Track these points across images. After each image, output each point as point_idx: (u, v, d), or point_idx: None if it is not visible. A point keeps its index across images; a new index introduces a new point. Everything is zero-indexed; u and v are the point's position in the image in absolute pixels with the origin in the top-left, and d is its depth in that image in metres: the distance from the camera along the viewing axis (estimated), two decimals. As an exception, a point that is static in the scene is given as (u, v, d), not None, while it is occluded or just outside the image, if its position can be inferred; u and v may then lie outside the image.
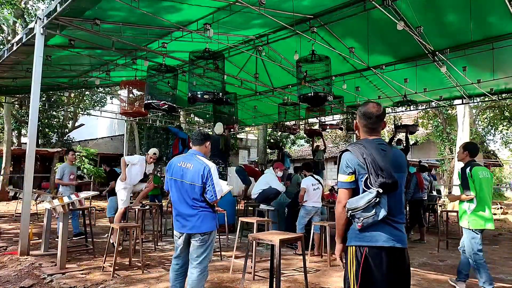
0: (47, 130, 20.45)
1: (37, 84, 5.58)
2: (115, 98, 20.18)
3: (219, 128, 8.78)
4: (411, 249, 6.96)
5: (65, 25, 5.64)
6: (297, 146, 28.08)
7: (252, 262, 4.71)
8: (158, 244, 6.68)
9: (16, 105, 17.43)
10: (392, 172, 2.04)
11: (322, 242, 6.13)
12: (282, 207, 7.16)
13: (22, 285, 4.13)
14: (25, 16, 14.89)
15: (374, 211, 2.01)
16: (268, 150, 20.08)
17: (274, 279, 3.53)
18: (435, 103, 10.70)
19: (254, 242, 4.37)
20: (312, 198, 6.31)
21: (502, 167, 30.72)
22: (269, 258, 4.03)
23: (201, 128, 18.38)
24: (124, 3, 5.07)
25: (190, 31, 6.48)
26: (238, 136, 23.75)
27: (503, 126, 22.68)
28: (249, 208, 8.33)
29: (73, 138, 22.16)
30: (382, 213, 2.02)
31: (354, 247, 2.13)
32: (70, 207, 4.95)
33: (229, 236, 7.50)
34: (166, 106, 6.66)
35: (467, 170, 4.19)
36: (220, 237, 6.28)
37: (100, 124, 24.22)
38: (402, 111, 12.08)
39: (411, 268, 5.34)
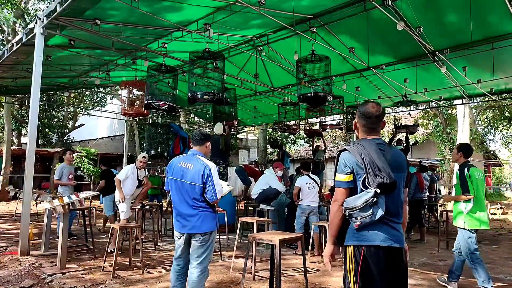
0: (47, 130, 20.44)
1: (37, 84, 5.58)
2: (115, 98, 20.19)
3: (219, 128, 8.78)
4: (411, 249, 6.96)
5: (65, 25, 5.64)
6: (297, 146, 28.09)
7: (252, 262, 4.71)
8: (158, 244, 6.68)
9: (16, 105, 17.43)
10: (390, 172, 2.04)
11: (322, 242, 6.13)
12: (282, 207, 7.16)
13: (22, 285, 4.13)
14: (25, 16, 14.89)
15: (371, 211, 2.02)
16: (268, 150, 20.07)
17: (274, 279, 3.53)
18: (435, 103, 10.70)
19: (254, 242, 4.37)
20: (307, 197, 6.33)
21: (502, 167, 30.74)
22: (269, 258, 4.04)
23: (201, 128, 18.38)
24: (124, 3, 5.07)
25: (190, 31, 6.48)
26: (238, 136, 23.76)
27: (503, 126, 22.69)
28: (249, 208, 8.33)
29: (73, 138, 22.16)
30: (380, 213, 2.02)
31: (352, 247, 2.13)
32: (70, 207, 4.95)
33: (229, 236, 7.51)
34: (166, 106, 6.65)
35: (465, 171, 4.22)
36: (220, 237, 6.29)
37: (100, 124, 24.23)
38: (402, 111, 12.07)
39: (411, 268, 5.36)
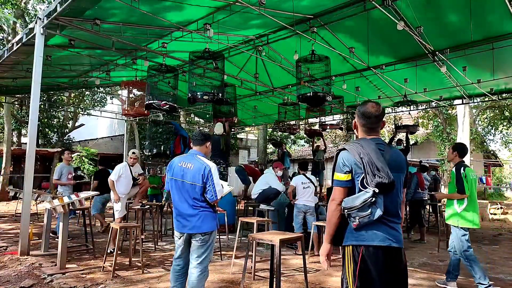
0: (47, 130, 20.45)
1: (37, 84, 5.58)
2: (115, 98, 20.19)
3: (219, 129, 8.78)
4: (411, 249, 6.97)
5: (65, 25, 5.64)
6: (297, 146, 28.09)
7: (252, 262, 4.71)
8: (158, 244, 6.67)
9: (16, 105, 17.44)
10: (389, 172, 2.04)
11: (321, 243, 6.12)
12: (282, 207, 7.16)
13: (22, 285, 4.13)
14: (25, 16, 14.90)
15: (369, 210, 2.01)
16: (268, 150, 20.07)
17: (274, 279, 3.53)
18: (435, 103, 10.70)
19: (254, 242, 4.37)
20: (303, 197, 6.34)
21: (502, 167, 30.73)
22: (269, 258, 4.03)
23: (201, 128, 18.38)
24: (124, 3, 5.07)
25: (190, 31, 6.48)
26: (238, 136, 23.76)
27: (503, 126, 22.71)
28: (249, 208, 8.33)
29: (73, 138, 22.16)
30: (378, 212, 2.02)
31: (351, 247, 2.12)
32: (70, 207, 4.95)
33: (229, 236, 7.51)
34: (167, 106, 6.65)
35: (462, 170, 4.27)
36: (220, 237, 6.29)
37: (100, 124, 24.22)
38: (402, 111, 12.08)
39: (411, 268, 5.36)
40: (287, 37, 7.13)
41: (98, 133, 24.59)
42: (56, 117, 21.37)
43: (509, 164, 32.38)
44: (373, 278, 2.05)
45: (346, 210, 2.07)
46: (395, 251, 2.09)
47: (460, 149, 4.45)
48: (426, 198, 8.44)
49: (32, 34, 5.85)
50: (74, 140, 21.99)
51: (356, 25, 6.54)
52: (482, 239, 8.57)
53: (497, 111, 20.28)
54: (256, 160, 17.95)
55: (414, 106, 10.35)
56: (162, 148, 9.84)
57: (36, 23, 5.65)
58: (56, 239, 5.83)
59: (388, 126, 19.66)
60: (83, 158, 17.12)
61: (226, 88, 7.66)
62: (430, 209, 10.07)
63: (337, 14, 6.11)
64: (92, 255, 5.64)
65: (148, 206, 6.75)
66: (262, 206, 6.87)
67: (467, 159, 14.63)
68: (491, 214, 13.52)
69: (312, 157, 12.13)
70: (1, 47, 13.28)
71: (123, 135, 20.02)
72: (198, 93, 6.09)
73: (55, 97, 18.73)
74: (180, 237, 3.24)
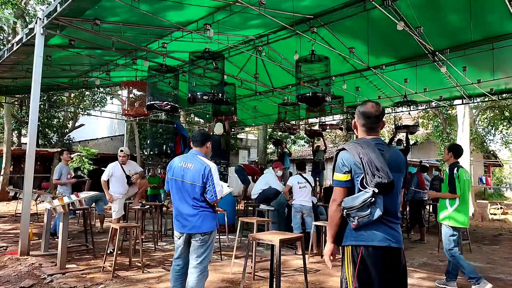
0: (47, 130, 20.45)
1: (37, 84, 5.58)
2: (115, 98, 20.19)
3: (219, 129, 8.78)
4: (411, 249, 6.97)
5: (65, 25, 5.64)
6: (297, 146, 28.10)
7: (252, 262, 4.71)
8: (158, 244, 6.68)
9: (16, 105, 17.44)
10: (389, 172, 2.03)
11: (322, 242, 6.13)
12: (282, 207, 7.16)
13: (22, 285, 4.13)
14: (25, 16, 14.90)
15: (369, 210, 2.01)
16: (268, 150, 20.06)
17: (274, 279, 3.53)
18: (435, 103, 10.70)
19: (254, 242, 4.37)
20: (299, 197, 6.35)
21: (502, 167, 30.73)
22: (269, 258, 4.03)
23: (201, 128, 18.38)
24: (124, 3, 5.07)
25: (190, 31, 6.48)
26: (238, 136, 23.76)
27: (503, 126, 22.70)
28: (249, 208, 8.33)
29: (73, 138, 22.17)
30: (378, 213, 2.01)
31: (350, 247, 2.12)
32: (70, 207, 4.95)
33: (229, 236, 7.51)
34: (169, 106, 6.65)
35: (455, 171, 4.38)
36: (220, 237, 6.29)
37: (100, 124, 24.22)
38: (402, 111, 12.07)
39: (411, 268, 5.37)
40: (287, 37, 7.13)
41: (98, 133, 24.59)
42: (56, 117, 21.38)
43: (509, 164, 32.38)
44: (372, 279, 2.05)
45: (345, 210, 2.07)
46: (395, 251, 2.08)
47: (455, 150, 4.54)
48: (426, 198, 8.44)
49: (32, 34, 5.85)
50: (74, 140, 21.99)
51: (356, 25, 6.54)
52: (482, 239, 8.57)
53: (497, 111, 20.27)
54: (256, 160, 17.95)
55: (414, 106, 10.34)
56: (164, 148, 9.80)
57: (36, 23, 5.65)
58: (56, 239, 5.83)
59: (388, 126, 19.66)
60: (83, 158, 17.12)
61: (226, 87, 7.64)
62: (430, 209, 10.07)
63: (337, 14, 6.11)
64: (92, 255, 5.64)
65: (148, 206, 6.75)
66: (262, 206, 6.87)
67: (467, 159, 14.66)
68: (491, 214, 13.53)
69: (312, 157, 12.13)
70: (1, 47, 13.28)
71: (123, 135, 20.04)
72: (198, 93, 6.09)
73: (55, 97, 18.73)
74: (180, 237, 3.24)
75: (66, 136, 21.51)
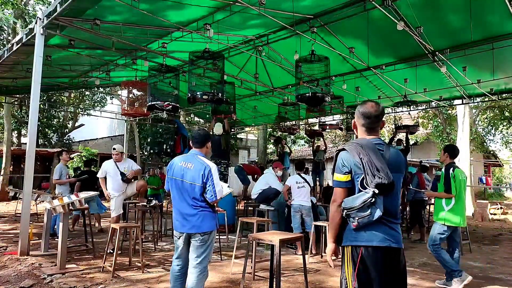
0: (47, 130, 20.45)
1: (37, 84, 5.59)
2: (115, 98, 20.19)
3: (218, 129, 8.77)
4: (411, 249, 6.97)
5: (65, 25, 5.65)
6: (297, 146, 28.09)
7: (252, 262, 4.71)
8: (158, 244, 6.68)
9: (16, 105, 17.44)
10: (389, 173, 2.03)
11: (321, 242, 6.13)
12: (282, 207, 7.16)
13: (22, 285, 4.13)
14: (24, 16, 14.90)
15: (369, 211, 2.01)
16: (268, 150, 20.04)
17: (274, 279, 3.53)
18: (435, 103, 10.70)
19: (254, 242, 4.37)
20: (298, 197, 6.36)
21: (502, 167, 30.72)
22: (269, 258, 4.03)
23: (201, 127, 18.37)
24: (124, 2, 5.08)
25: (190, 31, 6.48)
26: (238, 136, 23.75)
27: (503, 126, 22.70)
28: (249, 208, 8.33)
29: (73, 138, 22.17)
30: (378, 213, 2.01)
31: (350, 247, 2.12)
32: (70, 207, 4.95)
33: (229, 236, 7.50)
34: (170, 106, 6.65)
35: (450, 171, 4.45)
36: (220, 237, 6.28)
37: (100, 124, 24.21)
38: (402, 111, 12.08)
39: (411, 268, 5.36)
40: (287, 37, 7.13)
41: (98, 133, 24.59)
42: (56, 117, 21.38)
43: (509, 164, 32.37)
44: (372, 279, 2.05)
45: (345, 211, 2.07)
46: (395, 251, 2.09)
47: (450, 151, 4.64)
48: (427, 198, 8.44)
49: (32, 34, 5.85)
50: (74, 140, 22.00)
51: (356, 25, 6.54)
52: (482, 239, 8.57)
53: (497, 111, 20.27)
54: (256, 160, 17.96)
55: (414, 106, 10.35)
56: (164, 147, 9.78)
57: (36, 23, 5.65)
58: (56, 239, 5.83)
59: (388, 126, 19.65)
60: (83, 158, 17.12)
61: (225, 86, 7.65)
62: (431, 209, 10.07)
63: (337, 14, 6.11)
64: (92, 255, 5.64)
65: (155, 202, 6.55)
66: (262, 206, 6.87)
67: (467, 159, 14.67)
68: (491, 214, 13.52)
69: (312, 157, 12.13)
70: (1, 47, 13.28)
71: (123, 135, 20.03)
72: (198, 93, 6.08)
73: (54, 97, 18.72)
74: (180, 237, 3.24)
75: (66, 136, 21.51)
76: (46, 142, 20.28)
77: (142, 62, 7.38)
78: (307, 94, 6.37)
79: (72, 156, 16.03)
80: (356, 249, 2.09)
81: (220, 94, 6.23)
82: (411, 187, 8.10)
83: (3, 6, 12.40)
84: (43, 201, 7.36)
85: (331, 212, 2.18)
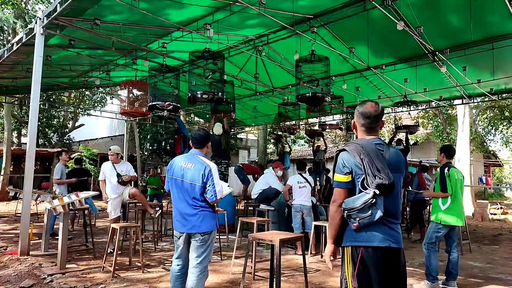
0: (47, 130, 20.45)
1: (37, 84, 5.59)
2: (115, 98, 20.18)
3: (218, 129, 8.77)
4: (412, 249, 6.96)
5: (65, 25, 5.64)
6: (297, 146, 28.09)
7: (252, 262, 4.71)
8: (158, 244, 6.68)
9: (16, 105, 17.44)
10: (389, 173, 2.03)
11: (321, 242, 6.13)
12: (282, 207, 7.16)
13: (22, 285, 4.13)
14: (24, 16, 14.89)
15: (370, 212, 2.01)
16: (268, 150, 20.03)
17: (274, 279, 3.53)
18: (435, 103, 10.70)
19: (254, 242, 4.37)
20: (299, 197, 6.36)
21: (502, 167, 30.72)
22: (269, 258, 4.03)
23: (201, 127, 18.37)
24: (124, 2, 5.07)
25: (190, 31, 6.48)
26: (238, 136, 23.75)
27: (503, 126, 22.70)
28: (249, 208, 8.33)
29: (73, 138, 22.18)
30: (378, 214, 2.01)
31: (350, 247, 2.12)
32: (70, 207, 4.95)
33: (229, 236, 7.50)
34: (171, 106, 6.64)
35: (445, 170, 4.51)
36: (220, 237, 6.28)
37: (100, 124, 24.24)
38: (402, 111, 12.08)
39: (411, 268, 5.36)
40: (287, 37, 7.13)
41: (98, 133, 24.60)
42: (56, 117, 21.38)
43: (509, 164, 32.38)
44: (372, 279, 2.05)
45: (346, 211, 2.07)
46: (394, 251, 2.08)
47: (446, 151, 4.72)
48: (428, 198, 8.43)
49: (32, 34, 5.85)
50: (74, 140, 22.01)
51: (356, 25, 6.54)
52: (482, 239, 8.57)
53: (497, 111, 20.27)
54: (256, 160, 17.96)
55: (414, 106, 10.34)
56: (162, 144, 9.73)
57: (36, 23, 5.65)
58: (56, 239, 5.84)
59: (388, 126, 19.66)
60: (84, 158, 17.12)
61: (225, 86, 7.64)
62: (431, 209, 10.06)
63: (337, 14, 6.11)
64: (92, 255, 5.64)
65: (159, 212, 6.32)
66: (262, 206, 6.87)
67: (467, 159, 14.68)
68: (491, 214, 13.52)
69: (313, 157, 12.13)
70: (1, 47, 13.28)
71: (123, 135, 20.04)
72: (198, 92, 6.08)
73: (54, 96, 18.71)
74: (180, 237, 3.24)
75: (66, 136, 21.51)
76: (46, 142, 20.29)
77: (142, 62, 7.38)
78: (308, 94, 6.36)
79: (72, 156, 16.03)
80: (356, 249, 2.09)
81: (220, 93, 6.22)
82: (410, 189, 8.09)
83: (3, 6, 12.40)
84: (43, 201, 7.35)
85: (331, 212, 2.17)
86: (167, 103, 6.61)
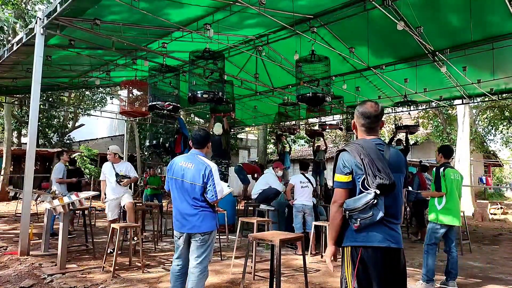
0: (47, 130, 20.45)
1: (37, 84, 5.59)
2: (115, 98, 20.18)
3: (218, 129, 8.77)
4: (411, 249, 6.96)
5: (65, 25, 5.65)
6: (297, 146, 28.08)
7: (252, 262, 4.71)
8: (158, 244, 6.67)
9: (16, 105, 17.44)
10: (390, 173, 2.03)
11: (321, 242, 6.13)
12: (282, 207, 7.16)
13: (22, 285, 4.13)
14: (24, 16, 14.90)
15: (371, 212, 2.00)
16: (268, 150, 20.02)
17: (274, 279, 3.53)
18: (435, 103, 10.70)
19: (254, 242, 4.37)
20: (301, 196, 6.36)
21: (502, 167, 30.71)
22: (269, 258, 4.03)
23: (201, 127, 18.36)
24: (124, 2, 5.07)
25: (190, 31, 6.49)
26: (238, 136, 23.75)
27: (503, 126, 22.70)
28: (249, 208, 8.33)
29: (73, 138, 22.18)
30: (380, 214, 2.01)
31: (349, 248, 2.12)
32: (70, 207, 4.95)
33: (229, 236, 7.50)
34: (171, 106, 6.64)
35: (441, 170, 4.56)
36: (220, 237, 6.28)
37: (100, 124, 24.23)
38: (402, 111, 12.08)
39: (411, 268, 5.36)
40: (287, 37, 7.13)
41: (98, 133, 24.60)
42: (56, 117, 21.38)
43: (509, 164, 32.36)
44: (372, 279, 2.05)
45: (347, 212, 2.06)
46: (394, 251, 2.08)
47: (444, 151, 4.76)
48: (428, 198, 8.42)
49: (32, 34, 5.85)
50: (74, 140, 22.00)
51: (356, 25, 6.54)
52: (482, 239, 8.56)
53: (497, 111, 20.27)
54: (256, 160, 17.97)
55: (414, 106, 10.34)
56: (161, 141, 9.65)
57: (36, 23, 5.66)
58: (56, 239, 5.83)
59: (388, 126, 19.66)
60: (84, 158, 17.13)
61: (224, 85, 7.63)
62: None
63: (337, 14, 6.11)
64: (92, 255, 5.64)
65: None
66: (262, 206, 6.87)
67: (467, 159, 14.68)
68: (491, 214, 13.52)
69: (313, 157, 12.13)
70: (1, 47, 13.28)
71: (123, 135, 20.03)
72: (198, 92, 6.08)
73: (53, 96, 18.70)
74: (180, 237, 3.24)
75: (66, 136, 21.51)
76: (46, 142, 20.28)
77: (142, 62, 7.38)
78: (308, 94, 6.36)
79: (72, 156, 16.04)
80: (356, 250, 2.09)
81: (220, 93, 6.22)
82: (411, 189, 8.09)
83: (3, 6, 12.39)
84: (43, 201, 7.37)
85: (331, 213, 2.17)
86: (167, 103, 6.60)
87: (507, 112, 20.00)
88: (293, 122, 12.82)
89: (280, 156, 11.90)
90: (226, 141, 8.90)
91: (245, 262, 3.99)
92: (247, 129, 21.14)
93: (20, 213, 7.32)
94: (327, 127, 12.69)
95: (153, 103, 6.64)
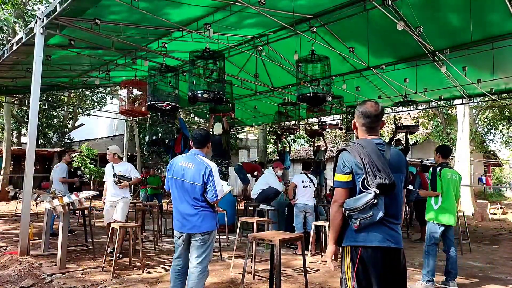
0: (47, 130, 20.44)
1: (37, 84, 5.59)
2: (115, 98, 20.18)
3: (218, 129, 8.77)
4: (411, 249, 6.96)
5: (65, 25, 5.65)
6: (298, 145, 28.09)
7: (252, 262, 4.71)
8: (158, 244, 6.67)
9: (16, 105, 17.44)
10: (390, 173, 2.02)
11: (321, 242, 6.13)
12: (282, 207, 7.16)
13: (22, 285, 4.13)
14: (24, 16, 14.89)
15: (371, 212, 2.00)
16: (268, 150, 20.02)
17: (274, 279, 3.53)
18: (435, 103, 10.70)
19: (254, 242, 4.37)
20: (303, 196, 6.36)
21: (502, 167, 30.72)
22: (269, 258, 4.03)
23: (201, 127, 18.34)
24: (124, 2, 5.07)
25: (190, 31, 6.48)
26: (238, 136, 23.75)
27: (503, 126, 22.70)
28: (249, 208, 8.33)
29: (73, 138, 22.18)
30: (380, 214, 2.01)
31: (349, 248, 2.12)
32: (70, 207, 4.95)
33: (229, 236, 7.50)
34: (170, 106, 6.64)
35: (437, 170, 4.60)
36: (220, 237, 6.28)
37: (100, 124, 24.25)
38: (402, 111, 12.08)
39: (411, 268, 5.36)
40: (287, 37, 7.13)
41: (98, 133, 24.61)
42: (56, 117, 21.37)
43: (509, 164, 32.38)
44: (372, 279, 2.05)
45: (347, 212, 2.06)
46: (394, 251, 2.08)
47: (441, 151, 4.80)
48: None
49: (32, 34, 5.85)
50: (74, 140, 22.00)
51: (356, 25, 6.54)
52: (482, 239, 8.56)
53: (497, 111, 20.27)
54: (256, 160, 17.96)
55: (414, 106, 10.34)
56: (160, 137, 9.59)
57: (36, 23, 5.65)
58: (56, 239, 5.83)
59: (388, 126, 19.66)
60: (84, 158, 17.12)
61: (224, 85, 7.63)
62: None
63: (337, 14, 6.11)
64: (92, 255, 5.64)
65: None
66: (262, 206, 6.87)
67: (467, 159, 14.67)
68: (491, 214, 13.51)
69: (313, 157, 12.14)
70: (1, 47, 13.28)
71: (123, 135, 20.03)
72: (198, 92, 6.08)
73: (53, 96, 18.69)
74: (180, 236, 3.24)
75: (66, 136, 21.50)
76: (46, 142, 20.27)
77: (142, 62, 7.38)
78: (309, 94, 6.36)
79: (73, 156, 16.04)
80: (356, 249, 2.08)
81: (220, 93, 6.21)
82: (412, 189, 8.08)
83: (3, 6, 12.39)
84: (43, 201, 7.38)
85: (332, 213, 2.17)
86: (166, 102, 6.60)
87: (507, 112, 20.00)
88: (293, 122, 12.82)
89: (280, 156, 11.90)
90: (226, 141, 8.91)
91: (245, 262, 3.99)
92: (247, 129, 21.12)
93: (20, 213, 7.32)
94: (327, 127, 12.68)
95: (152, 102, 6.64)
